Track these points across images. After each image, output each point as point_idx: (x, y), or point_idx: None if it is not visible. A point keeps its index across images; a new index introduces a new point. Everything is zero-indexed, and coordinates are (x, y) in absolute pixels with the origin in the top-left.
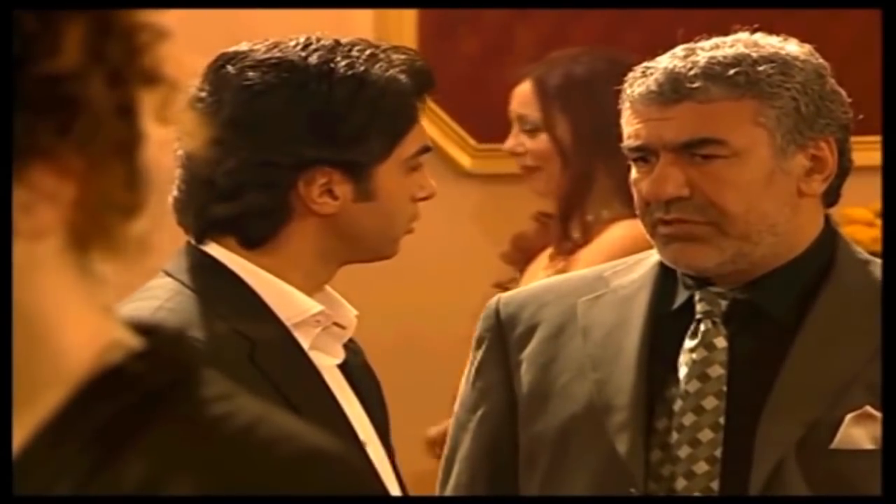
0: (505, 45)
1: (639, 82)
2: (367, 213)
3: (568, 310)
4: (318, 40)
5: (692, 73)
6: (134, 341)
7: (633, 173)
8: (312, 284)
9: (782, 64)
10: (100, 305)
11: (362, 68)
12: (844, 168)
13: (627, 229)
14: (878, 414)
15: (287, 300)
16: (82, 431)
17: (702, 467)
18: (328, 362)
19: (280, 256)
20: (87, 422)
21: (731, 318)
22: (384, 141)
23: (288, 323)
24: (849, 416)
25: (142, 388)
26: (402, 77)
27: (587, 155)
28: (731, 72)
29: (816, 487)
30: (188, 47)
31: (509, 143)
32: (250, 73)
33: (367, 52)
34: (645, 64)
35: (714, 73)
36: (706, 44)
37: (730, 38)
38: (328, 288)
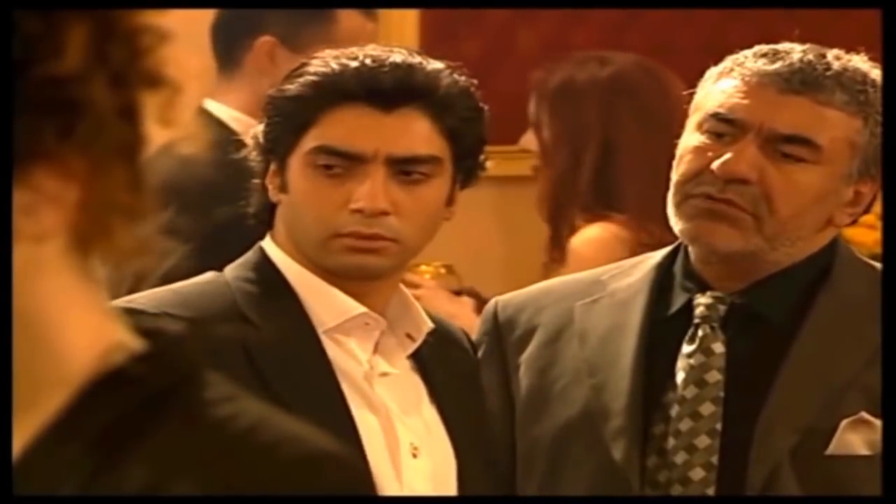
0: (507, 47)
1: (760, 61)
2: (287, 206)
3: (565, 313)
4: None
5: (828, 73)
6: (136, 343)
7: (693, 141)
8: (318, 269)
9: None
10: (102, 307)
11: (304, 70)
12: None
13: (597, 232)
14: (873, 419)
15: (326, 301)
16: (85, 433)
17: (698, 473)
18: (383, 368)
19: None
20: (91, 424)
21: (728, 323)
22: (286, 129)
23: (326, 325)
24: (844, 422)
25: (144, 390)
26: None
27: (568, 157)
28: (859, 87)
29: (812, 493)
30: (190, 49)
31: (523, 139)
32: None
33: (324, 59)
34: (763, 46)
35: (845, 80)
36: (830, 50)
37: (838, 52)
38: (408, 296)
